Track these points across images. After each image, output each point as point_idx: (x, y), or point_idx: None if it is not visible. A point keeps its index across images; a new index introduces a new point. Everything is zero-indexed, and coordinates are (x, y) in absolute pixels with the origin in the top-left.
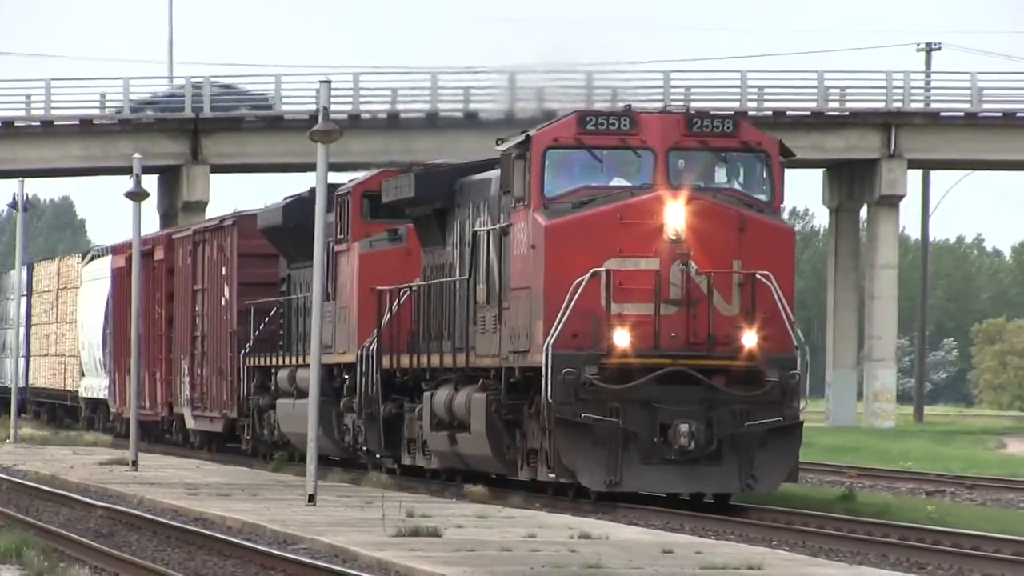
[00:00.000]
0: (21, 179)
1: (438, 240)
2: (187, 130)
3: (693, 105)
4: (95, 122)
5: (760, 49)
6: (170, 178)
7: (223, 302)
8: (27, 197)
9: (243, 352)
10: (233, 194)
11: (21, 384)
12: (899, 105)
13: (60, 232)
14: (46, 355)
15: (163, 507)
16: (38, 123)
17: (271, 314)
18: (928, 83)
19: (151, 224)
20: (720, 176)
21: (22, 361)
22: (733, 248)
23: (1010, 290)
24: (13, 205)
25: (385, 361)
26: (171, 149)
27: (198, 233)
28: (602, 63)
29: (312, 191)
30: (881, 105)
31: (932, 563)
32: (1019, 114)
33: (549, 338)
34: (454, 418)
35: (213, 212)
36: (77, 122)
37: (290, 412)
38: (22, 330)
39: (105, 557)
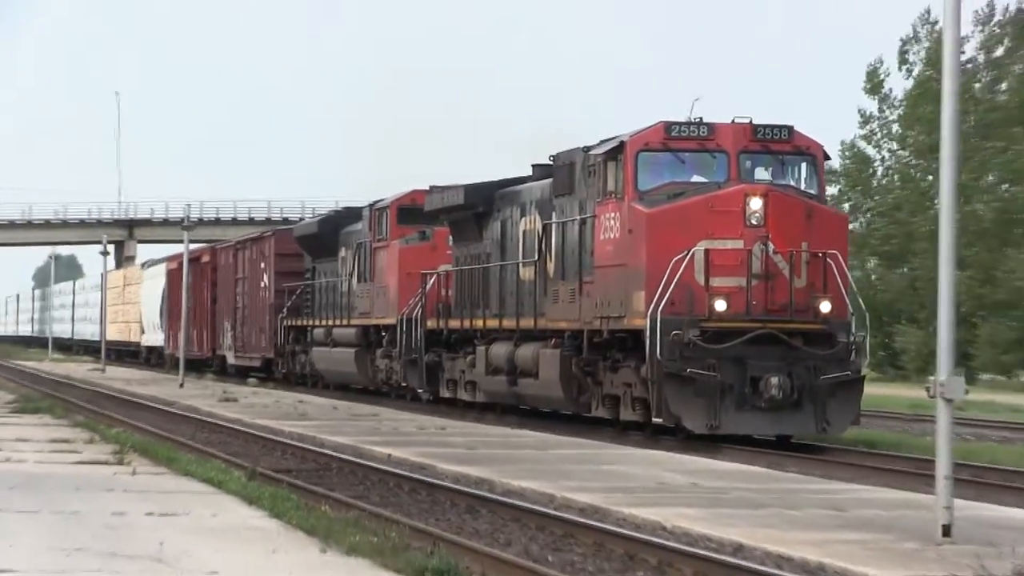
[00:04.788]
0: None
1: (475, 237)
2: (126, 224)
3: None
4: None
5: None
6: (120, 245)
7: (262, 285)
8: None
9: (280, 316)
10: (147, 254)
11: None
12: None
13: (72, 270)
14: (114, 322)
15: (113, 388)
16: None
17: (298, 292)
18: None
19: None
20: (779, 174)
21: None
22: (802, 232)
23: None
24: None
25: (430, 323)
26: (120, 232)
27: (239, 243)
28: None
29: (339, 210)
30: None
31: None
32: None
33: (655, 305)
34: (515, 367)
35: (139, 261)
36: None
37: (326, 356)
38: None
39: (86, 411)
